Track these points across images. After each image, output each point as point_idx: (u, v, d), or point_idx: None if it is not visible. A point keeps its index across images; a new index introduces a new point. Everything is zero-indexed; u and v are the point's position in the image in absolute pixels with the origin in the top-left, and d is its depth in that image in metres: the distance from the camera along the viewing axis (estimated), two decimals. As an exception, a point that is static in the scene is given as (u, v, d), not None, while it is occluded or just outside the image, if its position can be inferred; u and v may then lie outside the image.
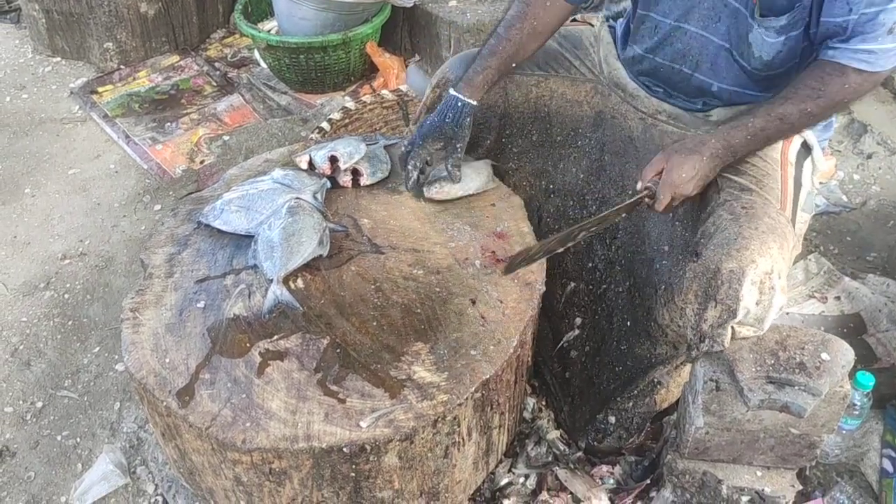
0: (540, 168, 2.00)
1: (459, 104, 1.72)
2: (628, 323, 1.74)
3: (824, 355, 1.43)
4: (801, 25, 1.52)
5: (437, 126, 1.74)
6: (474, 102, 1.74)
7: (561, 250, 1.64)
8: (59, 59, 3.72)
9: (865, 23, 1.43)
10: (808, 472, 1.76)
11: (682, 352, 1.60)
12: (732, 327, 1.44)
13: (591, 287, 1.90)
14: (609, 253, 1.88)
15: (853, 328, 2.14)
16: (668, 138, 1.74)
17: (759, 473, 1.61)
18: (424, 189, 1.79)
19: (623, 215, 1.65)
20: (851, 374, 1.49)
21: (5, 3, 4.03)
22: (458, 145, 1.73)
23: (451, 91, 1.74)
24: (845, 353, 1.44)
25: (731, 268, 1.40)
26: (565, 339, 1.91)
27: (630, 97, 1.85)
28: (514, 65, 1.77)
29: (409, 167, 1.77)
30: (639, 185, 1.60)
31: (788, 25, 1.52)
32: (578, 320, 1.91)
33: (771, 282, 1.41)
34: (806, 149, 1.70)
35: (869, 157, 2.87)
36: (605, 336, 1.82)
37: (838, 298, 2.24)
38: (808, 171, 1.70)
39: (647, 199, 1.59)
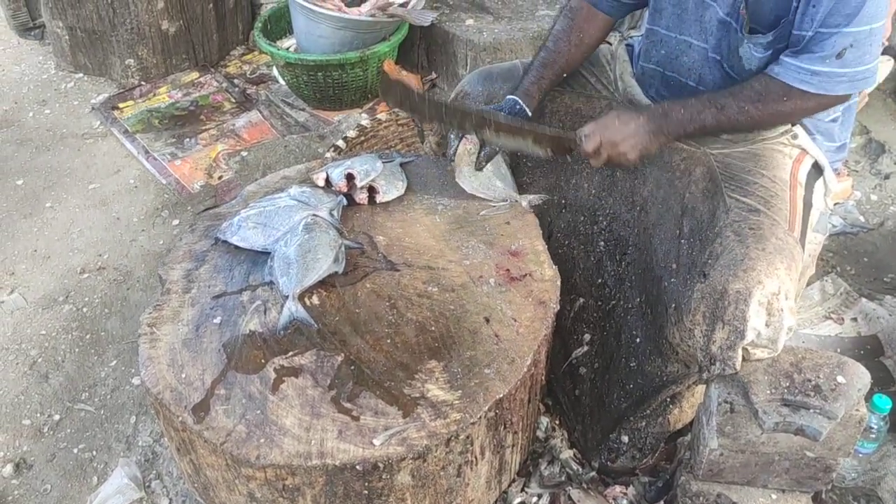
0: (553, 183, 2.01)
1: (517, 107, 1.81)
2: (637, 339, 1.74)
3: (840, 378, 1.42)
4: (786, 40, 1.54)
5: (492, 111, 1.81)
6: (528, 111, 1.81)
7: (449, 124, 1.76)
8: (81, 75, 3.77)
9: (818, 41, 1.45)
10: (823, 496, 1.74)
11: (694, 371, 1.60)
12: (746, 349, 1.43)
13: (599, 303, 1.90)
14: (619, 269, 1.88)
15: (870, 350, 2.12)
16: (678, 155, 1.75)
17: (773, 496, 1.60)
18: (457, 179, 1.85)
19: (545, 149, 1.74)
20: (868, 397, 1.48)
21: (30, 20, 4.10)
22: None
23: (510, 95, 1.82)
24: (861, 376, 1.43)
25: (737, 288, 1.40)
26: (574, 355, 1.91)
27: None
28: (564, 75, 1.89)
29: (452, 135, 1.87)
30: (578, 130, 1.69)
31: (775, 41, 1.55)
32: (587, 337, 1.91)
33: (778, 303, 1.41)
34: (817, 170, 1.71)
35: (886, 177, 2.85)
36: (613, 353, 1.81)
37: (855, 320, 2.23)
38: (819, 192, 1.70)
39: (575, 143, 1.68)
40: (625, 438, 1.77)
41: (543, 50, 1.88)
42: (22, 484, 1.97)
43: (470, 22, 3.39)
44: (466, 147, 1.84)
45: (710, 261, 1.49)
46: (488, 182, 1.86)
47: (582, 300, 1.93)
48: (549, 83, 1.87)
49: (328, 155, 2.68)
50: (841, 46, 1.44)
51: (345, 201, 1.85)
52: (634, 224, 1.84)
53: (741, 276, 1.41)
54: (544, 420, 1.90)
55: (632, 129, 1.63)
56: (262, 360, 1.49)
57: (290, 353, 1.50)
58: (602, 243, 1.92)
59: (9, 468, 1.99)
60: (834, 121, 1.70)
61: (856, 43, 1.44)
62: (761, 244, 1.46)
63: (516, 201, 1.87)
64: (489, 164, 1.83)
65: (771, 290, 1.41)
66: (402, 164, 1.97)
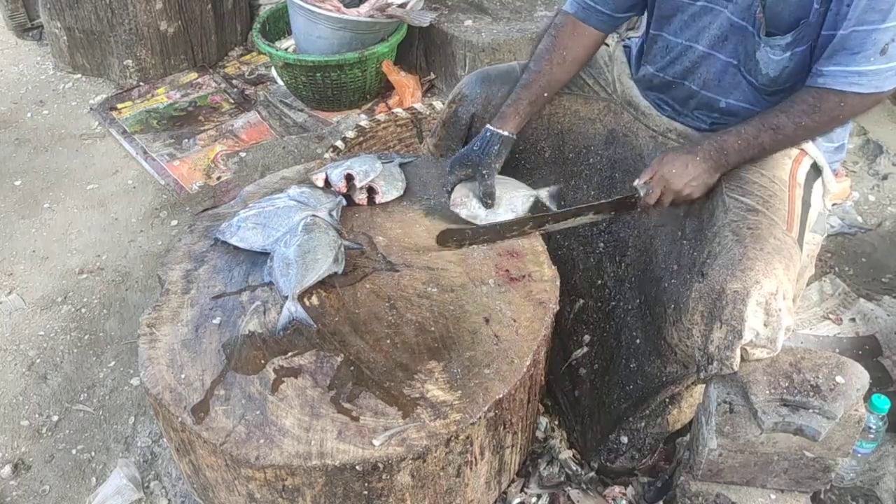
0: (552, 184, 2.01)
1: (488, 134, 1.79)
2: (637, 340, 1.74)
3: (839, 378, 1.43)
4: (806, 42, 1.54)
5: (465, 154, 1.80)
6: (504, 133, 1.79)
7: (513, 236, 1.73)
8: (79, 75, 3.77)
9: (856, 40, 1.44)
10: (822, 496, 1.74)
11: (693, 371, 1.60)
12: (745, 349, 1.44)
13: (599, 304, 1.90)
14: (619, 270, 1.88)
15: (868, 350, 2.13)
16: None
17: (772, 496, 1.60)
18: (453, 208, 1.79)
19: (610, 214, 1.73)
20: (866, 397, 1.49)
21: (28, 20, 4.10)
22: (484, 172, 1.76)
23: (487, 125, 1.80)
24: (860, 376, 1.44)
25: (735, 288, 1.41)
26: (574, 356, 1.91)
27: (642, 115, 1.87)
28: (545, 95, 1.83)
29: (455, 201, 1.80)
30: (635, 182, 1.66)
31: (794, 42, 1.54)
32: (587, 338, 1.91)
33: (776, 302, 1.41)
34: (816, 170, 1.71)
35: (884, 178, 2.86)
36: (613, 354, 1.81)
37: (853, 320, 2.23)
38: (818, 193, 1.70)
39: (636, 199, 1.65)
40: (624, 439, 1.78)
41: (525, 71, 1.84)
42: (20, 485, 1.97)
43: (468, 23, 3.40)
44: (465, 203, 1.78)
45: (708, 260, 1.49)
46: (510, 202, 1.81)
47: (582, 301, 1.93)
48: (529, 104, 1.81)
49: (327, 155, 2.68)
50: (883, 42, 1.43)
51: (344, 202, 1.85)
52: (634, 225, 1.84)
53: (739, 276, 1.42)
54: (543, 420, 1.90)
55: (691, 172, 1.60)
56: (262, 361, 1.49)
57: (290, 354, 1.50)
58: (601, 244, 1.92)
59: (7, 469, 1.99)
60: (846, 124, 1.70)
61: None
62: (759, 244, 1.47)
63: (536, 197, 1.85)
64: (497, 191, 1.79)
65: (769, 290, 1.41)
66: (401, 165, 1.97)
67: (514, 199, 1.81)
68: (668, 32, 1.76)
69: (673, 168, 1.60)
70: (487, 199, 1.77)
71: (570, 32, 1.82)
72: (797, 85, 1.60)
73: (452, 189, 1.82)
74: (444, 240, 1.73)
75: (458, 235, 1.73)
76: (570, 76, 1.87)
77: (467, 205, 1.78)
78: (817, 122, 1.55)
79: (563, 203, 1.92)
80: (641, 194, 1.65)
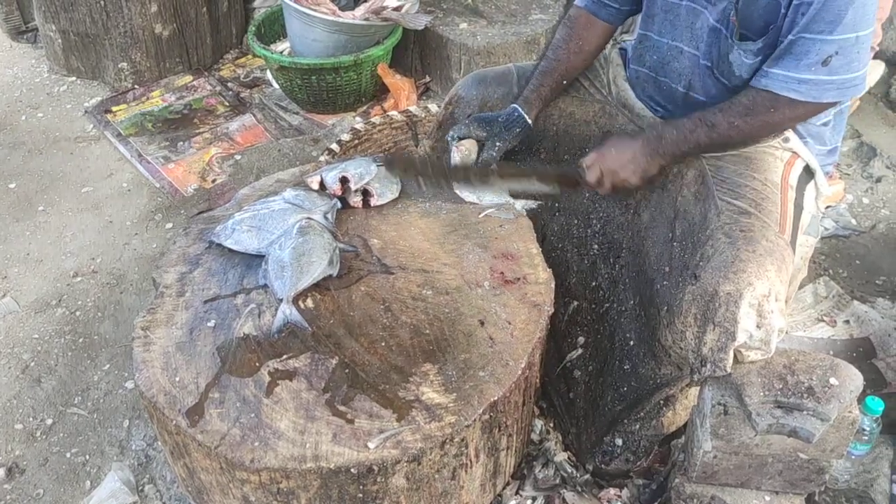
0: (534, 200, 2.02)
1: (516, 114, 1.85)
2: (631, 342, 1.74)
3: (833, 380, 1.43)
4: (775, 47, 1.54)
5: (489, 118, 1.86)
6: (529, 119, 1.85)
7: (457, 181, 1.83)
8: (74, 78, 3.77)
9: (802, 47, 1.46)
10: (817, 498, 1.74)
11: (687, 373, 1.60)
12: (739, 351, 1.44)
13: (594, 306, 1.91)
14: (613, 272, 1.88)
15: (862, 352, 2.13)
16: None
17: (767, 498, 1.60)
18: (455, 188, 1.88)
19: (551, 186, 1.81)
20: (860, 399, 1.49)
21: (23, 23, 4.09)
22: (496, 143, 1.82)
23: (513, 104, 1.87)
24: (854, 378, 1.44)
25: (728, 290, 1.41)
26: (568, 358, 1.91)
27: (636, 117, 1.87)
28: (564, 82, 1.91)
29: (448, 136, 1.87)
30: (580, 161, 1.73)
31: (764, 47, 1.56)
32: (581, 340, 1.91)
33: (769, 304, 1.42)
34: (808, 173, 1.72)
35: (878, 180, 2.87)
36: (607, 356, 1.82)
37: (847, 322, 2.24)
38: (810, 195, 1.71)
39: (579, 176, 1.72)
40: (619, 441, 1.78)
41: (544, 59, 1.91)
42: (14, 489, 1.96)
43: (464, 26, 3.40)
44: (462, 152, 1.84)
45: (701, 263, 1.49)
46: (485, 189, 1.87)
47: (576, 303, 1.93)
48: (550, 91, 1.89)
49: (322, 158, 2.68)
50: (826, 54, 1.44)
51: (339, 204, 1.85)
52: (628, 227, 1.84)
53: (732, 278, 1.42)
54: (539, 423, 1.91)
55: (629, 156, 1.65)
56: (257, 364, 1.49)
57: (285, 357, 1.50)
58: (596, 246, 1.92)
59: (1, 473, 1.98)
60: (825, 125, 1.71)
61: (841, 50, 1.44)
62: (752, 246, 1.47)
63: (512, 205, 1.88)
64: None
65: (761, 292, 1.41)
66: (396, 168, 1.97)
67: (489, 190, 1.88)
68: (652, 32, 1.78)
69: (612, 150, 1.68)
70: (485, 169, 1.82)
71: (585, 24, 1.89)
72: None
73: (459, 138, 1.86)
74: (391, 163, 1.81)
75: (407, 164, 1.81)
76: (585, 65, 1.94)
77: (463, 159, 1.83)
78: (749, 124, 1.57)
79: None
80: (583, 174, 1.71)
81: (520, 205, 1.88)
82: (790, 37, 1.47)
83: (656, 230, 1.74)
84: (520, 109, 1.85)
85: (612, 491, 1.78)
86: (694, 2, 1.66)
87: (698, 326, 1.47)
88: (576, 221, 1.98)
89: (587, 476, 1.82)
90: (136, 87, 3.64)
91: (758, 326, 1.42)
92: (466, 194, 1.86)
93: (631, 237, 1.82)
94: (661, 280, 1.63)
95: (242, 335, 1.54)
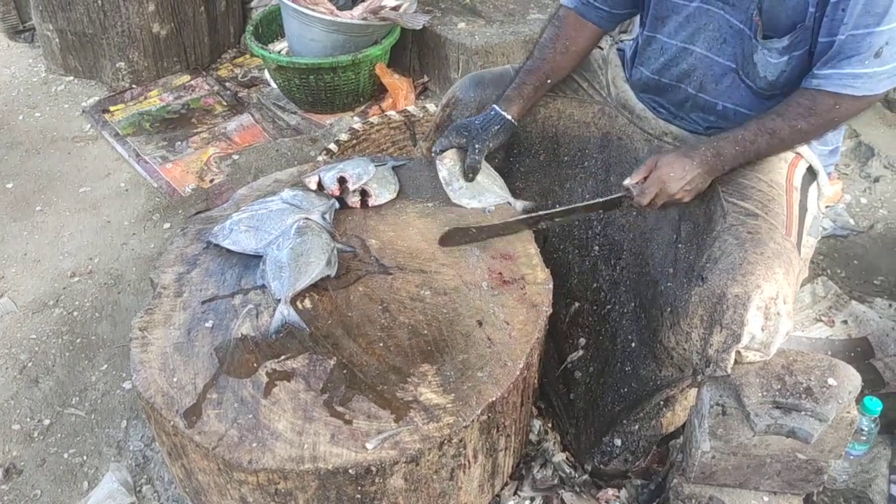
0: (546, 188, 2.02)
1: (492, 113, 1.84)
2: (633, 344, 1.74)
3: (831, 380, 1.43)
4: (803, 46, 1.54)
5: (466, 124, 1.85)
6: (508, 116, 1.83)
7: (510, 234, 1.78)
8: (71, 78, 3.76)
9: (852, 44, 1.45)
10: (815, 498, 1.74)
11: (688, 375, 1.60)
12: (739, 352, 1.44)
13: (595, 307, 1.91)
14: (614, 274, 1.88)
15: (860, 352, 2.13)
16: None
17: (765, 499, 1.60)
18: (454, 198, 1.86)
19: (599, 212, 1.82)
20: (859, 399, 1.49)
21: (20, 22, 4.09)
22: (477, 146, 1.80)
23: (493, 104, 1.86)
24: (852, 379, 1.44)
25: (736, 293, 1.41)
26: (569, 359, 1.91)
27: (637, 119, 1.87)
28: (549, 81, 1.88)
29: (433, 153, 1.88)
30: (625, 182, 1.64)
31: (791, 46, 1.54)
32: (582, 341, 1.91)
33: (776, 307, 1.41)
34: (811, 174, 1.71)
35: (876, 180, 2.87)
36: (608, 357, 1.82)
37: (845, 322, 2.24)
38: (813, 196, 1.71)
39: (627, 199, 1.65)
40: (617, 441, 1.78)
41: (530, 59, 1.90)
42: (12, 489, 1.96)
43: (462, 26, 3.40)
44: (447, 165, 1.83)
45: (708, 264, 1.49)
46: (483, 192, 1.85)
47: (577, 304, 1.93)
48: (533, 89, 1.87)
49: (320, 158, 2.68)
50: (877, 46, 1.44)
51: (337, 205, 1.84)
52: (629, 228, 1.84)
53: (740, 281, 1.42)
54: (537, 423, 1.90)
55: (687, 176, 1.59)
56: (255, 364, 1.49)
57: (283, 357, 1.50)
58: (597, 248, 1.92)
59: (-2, 473, 1.98)
60: (840, 127, 1.71)
61: (891, 40, 1.44)
62: (760, 248, 1.47)
63: (510, 204, 1.87)
64: (479, 175, 1.83)
65: (769, 295, 1.41)
66: (394, 168, 1.97)
67: (488, 192, 1.86)
68: (662, 34, 1.76)
69: (671, 171, 1.59)
70: (469, 173, 1.81)
71: (573, 24, 1.87)
72: (795, 89, 1.61)
73: (440, 151, 1.86)
74: (447, 241, 1.75)
75: (462, 235, 1.76)
76: (573, 65, 1.92)
77: (450, 170, 1.83)
78: (812, 125, 1.55)
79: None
80: (634, 194, 1.62)
81: (520, 205, 1.87)
82: (839, 37, 1.46)
83: (660, 232, 1.74)
84: (497, 108, 1.84)
85: (610, 491, 1.78)
86: (708, 3, 1.64)
87: (705, 328, 1.46)
88: (577, 223, 1.98)
89: (585, 476, 1.82)
90: (133, 86, 3.63)
91: (762, 329, 1.42)
92: (466, 201, 1.84)
93: (633, 239, 1.82)
94: (665, 281, 1.62)
95: (240, 336, 1.54)
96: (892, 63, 1.47)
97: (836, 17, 1.46)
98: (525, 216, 1.80)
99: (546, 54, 1.87)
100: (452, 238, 1.76)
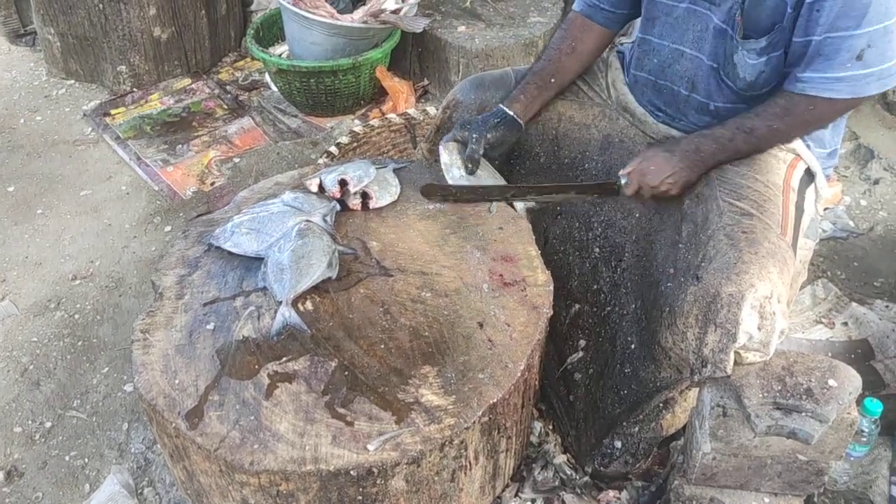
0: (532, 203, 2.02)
1: (496, 109, 1.89)
2: (633, 346, 1.74)
3: (831, 381, 1.43)
4: (780, 47, 1.56)
5: (468, 119, 1.89)
6: (510, 112, 1.86)
7: (495, 200, 1.84)
8: (72, 81, 3.77)
9: (831, 47, 1.46)
10: (816, 500, 1.74)
11: (686, 375, 1.60)
12: (738, 353, 1.44)
13: (595, 309, 1.91)
14: (614, 275, 1.88)
15: (861, 354, 2.14)
16: None
17: (766, 500, 1.60)
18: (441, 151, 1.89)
19: (589, 196, 1.85)
20: (859, 401, 1.49)
21: (21, 26, 4.09)
22: (475, 136, 1.82)
23: (500, 104, 1.90)
24: (853, 380, 1.44)
25: (730, 291, 1.41)
26: (569, 361, 1.91)
27: (638, 121, 1.87)
28: (553, 80, 1.92)
29: (439, 148, 1.89)
30: (619, 172, 1.73)
31: (769, 46, 1.56)
32: (582, 343, 1.91)
33: (771, 306, 1.42)
34: (809, 175, 1.72)
35: (876, 182, 2.87)
36: (608, 359, 1.82)
37: (846, 324, 2.24)
38: (811, 198, 1.71)
39: (617, 187, 1.74)
40: (618, 443, 1.78)
41: (537, 61, 1.94)
42: (13, 492, 1.96)
43: (462, 29, 3.41)
44: (449, 150, 1.86)
45: (702, 264, 1.50)
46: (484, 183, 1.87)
47: (577, 306, 1.94)
48: (536, 88, 1.90)
49: (321, 161, 2.68)
50: (857, 49, 1.45)
51: (338, 207, 1.85)
52: (630, 231, 1.85)
53: (734, 280, 1.42)
54: (538, 425, 1.91)
55: (667, 170, 1.66)
56: (256, 366, 1.49)
57: (284, 359, 1.50)
58: (597, 249, 1.93)
59: (0, 476, 1.98)
60: (824, 127, 1.72)
61: (872, 42, 1.44)
62: (754, 248, 1.47)
63: (510, 204, 1.87)
64: (480, 169, 1.84)
65: (763, 294, 1.42)
66: (395, 170, 1.97)
67: (490, 182, 1.88)
68: (653, 35, 1.78)
69: (651, 165, 1.67)
70: (468, 164, 1.83)
71: (580, 26, 1.91)
72: (775, 90, 1.63)
73: (444, 141, 1.89)
74: (428, 192, 1.83)
75: (444, 191, 1.82)
76: (579, 67, 1.95)
77: (452, 160, 1.85)
78: (789, 125, 1.59)
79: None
80: (622, 184, 1.72)
81: (520, 206, 1.88)
82: (815, 38, 1.47)
83: (664, 233, 1.74)
84: (503, 108, 1.87)
85: (611, 493, 1.79)
86: (696, 4, 1.66)
87: (699, 327, 1.47)
88: (577, 224, 1.98)
89: (586, 478, 1.82)
90: (134, 90, 3.64)
91: (759, 328, 1.42)
92: (444, 157, 1.87)
93: (635, 240, 1.82)
94: (666, 282, 1.63)
95: (242, 338, 1.54)
96: (877, 66, 1.47)
97: (812, 17, 1.47)
98: (512, 185, 1.85)
99: (552, 55, 1.91)
100: (433, 192, 1.82)
